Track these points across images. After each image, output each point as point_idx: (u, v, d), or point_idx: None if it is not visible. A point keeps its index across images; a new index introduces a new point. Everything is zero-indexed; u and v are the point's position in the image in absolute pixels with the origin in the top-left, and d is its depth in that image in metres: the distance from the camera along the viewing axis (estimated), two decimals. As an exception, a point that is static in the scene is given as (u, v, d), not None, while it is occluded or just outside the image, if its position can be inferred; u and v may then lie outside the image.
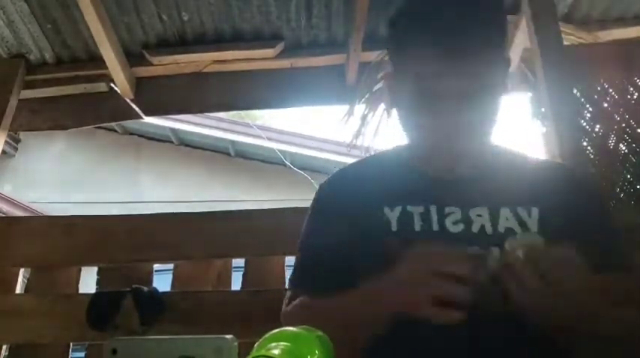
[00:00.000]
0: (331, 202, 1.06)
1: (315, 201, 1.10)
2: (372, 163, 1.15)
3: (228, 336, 0.49)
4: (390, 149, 1.15)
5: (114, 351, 0.47)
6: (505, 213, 0.93)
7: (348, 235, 0.97)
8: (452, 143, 0.92)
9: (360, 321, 0.86)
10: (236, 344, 0.49)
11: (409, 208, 0.95)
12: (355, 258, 0.94)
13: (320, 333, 0.57)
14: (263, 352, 0.50)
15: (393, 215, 0.96)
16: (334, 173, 1.14)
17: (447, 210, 0.94)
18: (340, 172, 1.13)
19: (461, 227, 0.93)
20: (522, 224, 0.92)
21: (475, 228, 0.93)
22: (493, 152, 1.03)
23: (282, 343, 0.53)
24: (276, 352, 0.50)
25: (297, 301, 0.99)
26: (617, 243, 0.96)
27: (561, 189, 0.97)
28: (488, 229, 0.93)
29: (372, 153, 2.03)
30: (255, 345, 0.53)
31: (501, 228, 0.92)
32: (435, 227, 0.94)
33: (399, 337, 0.86)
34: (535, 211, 0.94)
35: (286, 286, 1.09)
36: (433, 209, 0.95)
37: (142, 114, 2.33)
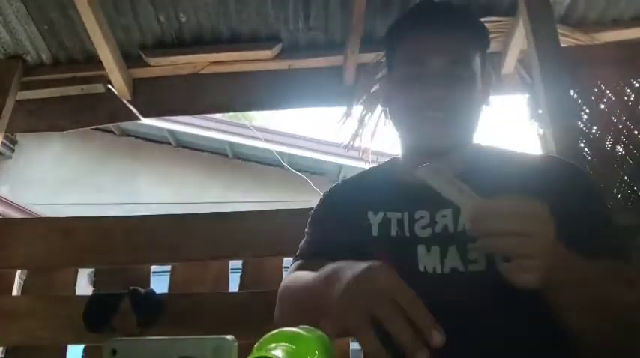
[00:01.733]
0: (328, 206, 1.17)
1: (318, 204, 1.20)
2: (367, 175, 1.22)
3: (228, 336, 0.49)
4: (386, 161, 1.24)
5: (114, 352, 0.47)
6: None
7: (337, 235, 1.06)
8: (437, 136, 1.00)
9: (308, 301, 0.85)
10: (236, 344, 0.49)
11: (389, 214, 1.03)
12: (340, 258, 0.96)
13: (320, 333, 0.57)
14: (263, 352, 0.50)
15: (375, 220, 1.04)
16: (337, 183, 1.25)
17: (417, 214, 1.01)
18: (341, 182, 1.24)
19: (428, 231, 0.98)
20: None
21: (438, 229, 0.97)
22: (476, 152, 1.07)
23: (281, 343, 0.52)
24: (276, 353, 0.50)
25: (291, 268, 1.09)
26: (609, 230, 0.94)
27: (552, 182, 0.95)
28: (451, 228, 0.96)
29: (370, 157, 2.05)
30: (255, 346, 0.52)
31: (460, 226, 0.95)
32: (407, 232, 1.00)
33: None
34: None
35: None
36: (406, 215, 1.02)
37: (139, 116, 2.33)
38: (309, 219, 1.18)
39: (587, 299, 0.78)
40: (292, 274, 1.05)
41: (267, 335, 0.53)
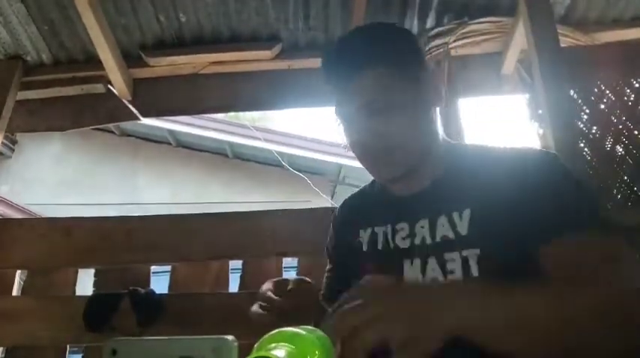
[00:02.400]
0: (335, 230, 1.23)
1: (329, 236, 1.25)
2: (362, 192, 1.24)
3: (228, 337, 0.49)
4: (367, 184, 1.25)
5: (114, 352, 0.47)
6: (442, 220, 0.97)
7: (343, 258, 1.15)
8: (384, 171, 1.02)
9: None
10: (236, 344, 0.49)
11: (376, 229, 1.07)
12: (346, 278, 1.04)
13: (320, 333, 0.57)
14: (263, 352, 0.50)
15: (364, 236, 1.08)
16: (337, 208, 1.27)
17: (398, 226, 1.03)
18: (343, 202, 1.27)
19: (408, 242, 1.01)
20: (454, 227, 0.95)
21: (417, 241, 0.99)
22: (453, 157, 1.05)
23: (281, 343, 0.52)
24: (276, 353, 0.50)
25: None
26: (580, 204, 0.89)
27: (513, 174, 0.93)
28: (428, 239, 0.98)
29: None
30: (255, 346, 0.52)
31: (438, 237, 0.97)
32: (391, 244, 1.03)
33: None
34: (467, 212, 0.94)
35: None
36: (389, 228, 1.04)
37: (139, 116, 2.33)
38: (327, 253, 1.24)
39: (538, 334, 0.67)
40: None
41: (266, 336, 0.53)
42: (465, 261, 0.91)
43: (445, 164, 1.04)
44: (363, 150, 1.01)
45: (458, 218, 0.95)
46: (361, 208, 1.16)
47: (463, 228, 0.94)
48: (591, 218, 0.87)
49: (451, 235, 0.95)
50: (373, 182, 1.21)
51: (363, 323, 0.61)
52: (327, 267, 1.23)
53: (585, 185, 1.00)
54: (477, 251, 0.91)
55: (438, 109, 1.08)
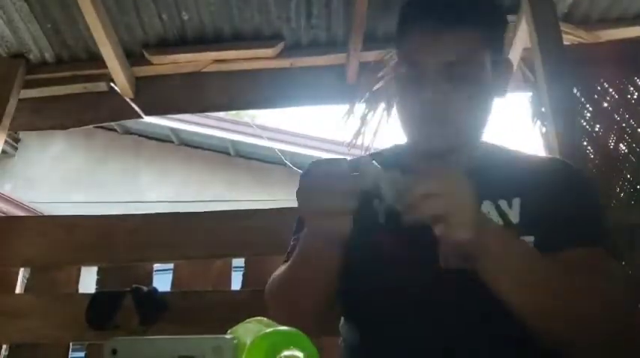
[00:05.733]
0: None
1: None
2: (378, 157, 1.15)
3: (229, 336, 0.49)
4: (388, 147, 1.18)
5: (114, 351, 0.47)
6: (486, 206, 0.94)
7: None
8: (433, 138, 0.96)
9: (312, 249, 0.89)
10: (237, 343, 0.49)
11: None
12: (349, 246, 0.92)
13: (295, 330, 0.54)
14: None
15: (380, 208, 0.99)
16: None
17: None
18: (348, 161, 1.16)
19: None
20: (503, 215, 0.93)
21: None
22: (484, 150, 1.05)
23: (292, 348, 0.51)
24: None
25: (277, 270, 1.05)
26: (586, 222, 0.94)
27: (548, 180, 0.96)
28: None
29: (371, 151, 1.99)
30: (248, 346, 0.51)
31: None
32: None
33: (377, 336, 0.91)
34: (516, 201, 0.94)
35: None
36: None
37: (141, 114, 2.33)
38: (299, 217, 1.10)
39: (519, 273, 0.80)
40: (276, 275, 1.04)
41: (257, 338, 0.51)
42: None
43: (479, 155, 1.03)
44: (428, 112, 0.94)
45: (506, 206, 0.94)
46: None
47: (514, 216, 0.93)
48: (594, 235, 0.92)
49: (499, 221, 0.93)
50: (391, 153, 1.14)
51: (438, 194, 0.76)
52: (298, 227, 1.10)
53: (597, 200, 1.06)
54: (532, 238, 0.90)
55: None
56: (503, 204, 0.94)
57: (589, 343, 0.82)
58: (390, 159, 1.10)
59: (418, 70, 0.95)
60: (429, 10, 0.95)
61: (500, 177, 0.97)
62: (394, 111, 1.98)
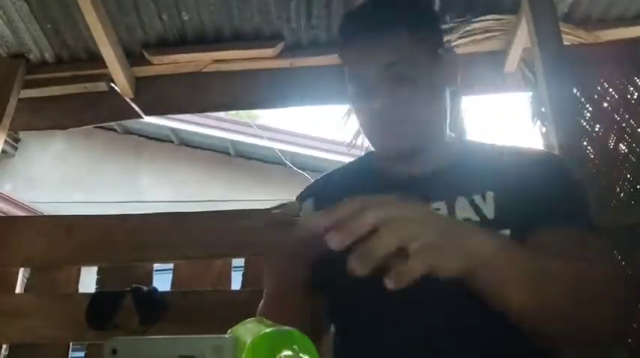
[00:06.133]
0: (313, 199, 1.07)
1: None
2: (340, 173, 1.16)
3: (228, 336, 0.49)
4: (359, 157, 1.20)
5: (114, 351, 0.47)
6: (461, 202, 0.93)
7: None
8: (391, 143, 0.97)
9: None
10: (236, 343, 0.49)
11: None
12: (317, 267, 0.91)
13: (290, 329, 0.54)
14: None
15: None
16: (306, 186, 1.17)
17: None
18: (311, 185, 1.18)
19: None
20: (478, 210, 0.92)
21: None
22: (460, 147, 1.05)
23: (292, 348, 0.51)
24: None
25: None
26: (572, 205, 0.92)
27: (524, 171, 0.94)
28: None
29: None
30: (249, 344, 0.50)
31: (459, 218, 0.91)
32: None
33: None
34: (490, 194, 0.92)
35: None
36: None
37: (141, 114, 2.33)
38: None
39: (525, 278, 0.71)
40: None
41: (257, 338, 0.50)
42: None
43: (452, 153, 1.03)
44: (378, 118, 0.96)
45: (481, 200, 0.92)
46: (351, 187, 0.97)
47: (489, 211, 0.91)
48: (582, 217, 0.90)
49: (474, 218, 0.91)
50: (361, 160, 1.16)
51: (388, 220, 0.60)
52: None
53: (583, 188, 1.03)
54: (507, 231, 0.88)
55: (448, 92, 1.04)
56: (477, 198, 0.93)
57: (589, 341, 0.81)
58: (359, 166, 1.14)
59: (359, 80, 0.98)
60: (355, 25, 0.99)
61: (474, 172, 0.96)
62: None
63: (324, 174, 1.19)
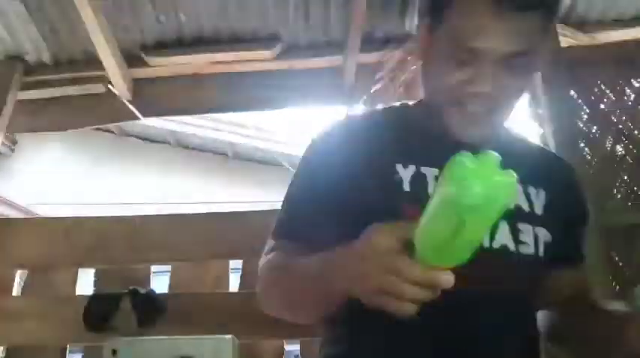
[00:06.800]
0: (331, 154, 0.95)
1: (311, 152, 1.00)
2: (379, 119, 1.02)
3: (228, 336, 0.49)
4: (396, 107, 1.05)
5: (114, 352, 0.47)
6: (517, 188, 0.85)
7: (349, 189, 0.87)
8: (471, 131, 0.86)
9: (313, 292, 0.80)
10: (236, 343, 0.49)
11: (423, 169, 0.87)
12: (355, 215, 0.81)
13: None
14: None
15: (406, 174, 0.87)
16: (333, 125, 1.02)
17: None
18: (341, 125, 1.03)
19: None
20: (530, 202, 0.89)
21: None
22: (506, 132, 0.99)
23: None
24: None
25: (271, 256, 0.96)
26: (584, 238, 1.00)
27: (566, 182, 0.99)
28: None
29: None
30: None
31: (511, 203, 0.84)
32: None
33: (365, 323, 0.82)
34: (542, 193, 0.91)
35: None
36: None
37: (139, 116, 2.33)
38: (299, 171, 0.99)
39: None
40: (279, 260, 0.93)
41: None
42: (536, 239, 0.86)
43: (504, 140, 0.93)
44: (476, 106, 0.84)
45: (534, 194, 0.89)
46: (390, 139, 0.93)
47: (538, 207, 0.90)
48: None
49: (525, 207, 0.88)
50: (387, 112, 1.03)
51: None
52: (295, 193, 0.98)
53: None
54: (549, 236, 0.88)
55: None
56: (532, 191, 0.90)
57: None
58: (403, 117, 1.00)
59: (476, 56, 0.81)
60: None
61: (525, 164, 0.81)
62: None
63: (350, 118, 1.11)
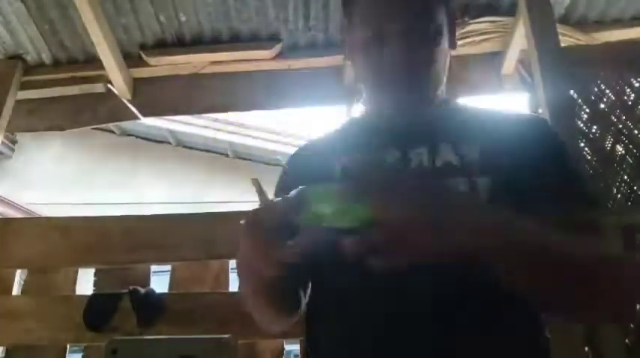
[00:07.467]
0: (291, 173, 1.08)
1: (280, 176, 1.12)
2: (330, 131, 1.14)
3: (228, 336, 0.49)
4: (347, 120, 1.18)
5: (114, 351, 0.47)
6: (444, 147, 0.92)
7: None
8: (402, 99, 0.95)
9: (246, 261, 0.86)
10: (236, 344, 0.49)
11: (357, 157, 0.97)
12: None
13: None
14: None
15: (340, 163, 0.96)
16: (298, 147, 1.15)
17: (389, 154, 0.94)
18: (303, 144, 1.16)
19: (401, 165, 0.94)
20: (462, 157, 0.91)
21: (414, 165, 0.92)
22: (452, 105, 1.04)
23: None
24: None
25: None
26: (575, 178, 0.95)
27: (513, 129, 0.96)
28: (426, 164, 0.92)
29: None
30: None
31: (439, 162, 0.91)
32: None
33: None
34: (476, 146, 0.92)
35: None
36: (376, 157, 0.96)
37: (139, 115, 2.33)
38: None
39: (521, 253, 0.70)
40: None
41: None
42: (473, 188, 0.87)
43: (444, 108, 1.02)
44: (389, 71, 0.93)
45: (467, 148, 0.92)
46: (333, 141, 1.05)
47: (473, 157, 0.91)
48: (583, 193, 0.92)
49: (455, 161, 0.91)
50: (338, 125, 1.13)
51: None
52: None
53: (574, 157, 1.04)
54: (489, 180, 0.88)
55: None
56: (463, 146, 0.92)
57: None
58: (351, 122, 1.12)
59: (381, 32, 0.93)
60: None
61: (463, 125, 0.96)
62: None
63: (306, 142, 1.16)
